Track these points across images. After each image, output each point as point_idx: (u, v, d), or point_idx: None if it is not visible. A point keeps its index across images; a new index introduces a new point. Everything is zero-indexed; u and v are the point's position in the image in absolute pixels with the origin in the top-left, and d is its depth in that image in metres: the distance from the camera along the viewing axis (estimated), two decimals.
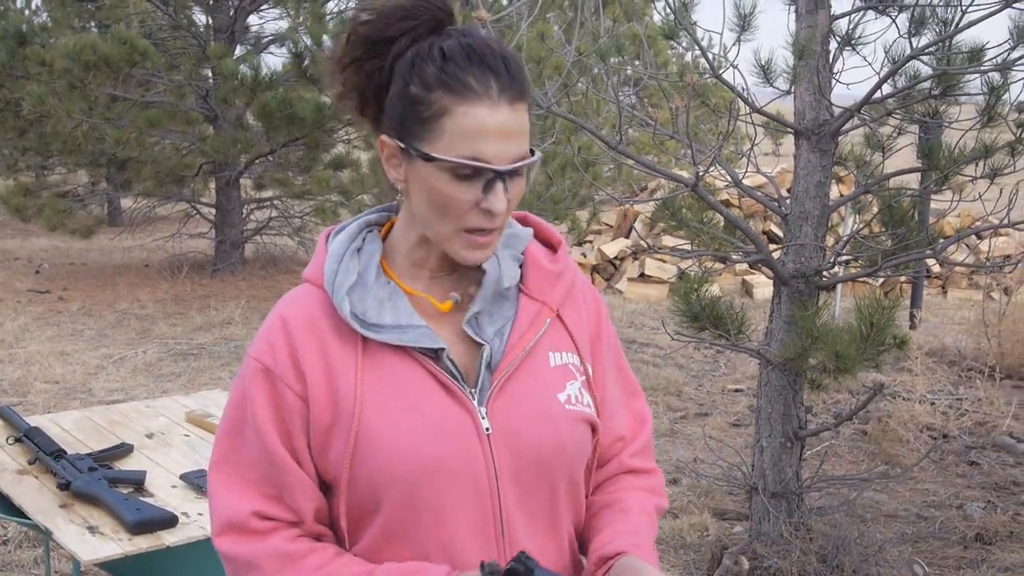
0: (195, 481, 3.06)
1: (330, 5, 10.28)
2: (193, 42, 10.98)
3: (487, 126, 1.40)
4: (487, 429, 1.49)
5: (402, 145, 1.46)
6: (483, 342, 1.53)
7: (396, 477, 1.45)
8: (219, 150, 10.19)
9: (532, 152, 1.48)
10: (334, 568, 1.45)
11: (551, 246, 1.66)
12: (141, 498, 2.94)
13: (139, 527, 2.74)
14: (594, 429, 1.59)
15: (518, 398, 1.52)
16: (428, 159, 1.42)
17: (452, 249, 1.48)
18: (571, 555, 1.61)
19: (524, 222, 1.66)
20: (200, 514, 2.88)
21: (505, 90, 1.42)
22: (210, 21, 11.31)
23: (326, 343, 1.48)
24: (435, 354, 1.50)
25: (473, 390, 1.51)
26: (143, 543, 2.71)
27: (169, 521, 2.80)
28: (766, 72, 4.26)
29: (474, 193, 1.42)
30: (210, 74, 10.90)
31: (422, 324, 1.50)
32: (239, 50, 11.54)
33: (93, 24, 11.97)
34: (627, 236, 11.93)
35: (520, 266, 1.60)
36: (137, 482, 3.05)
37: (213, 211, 11.81)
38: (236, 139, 10.41)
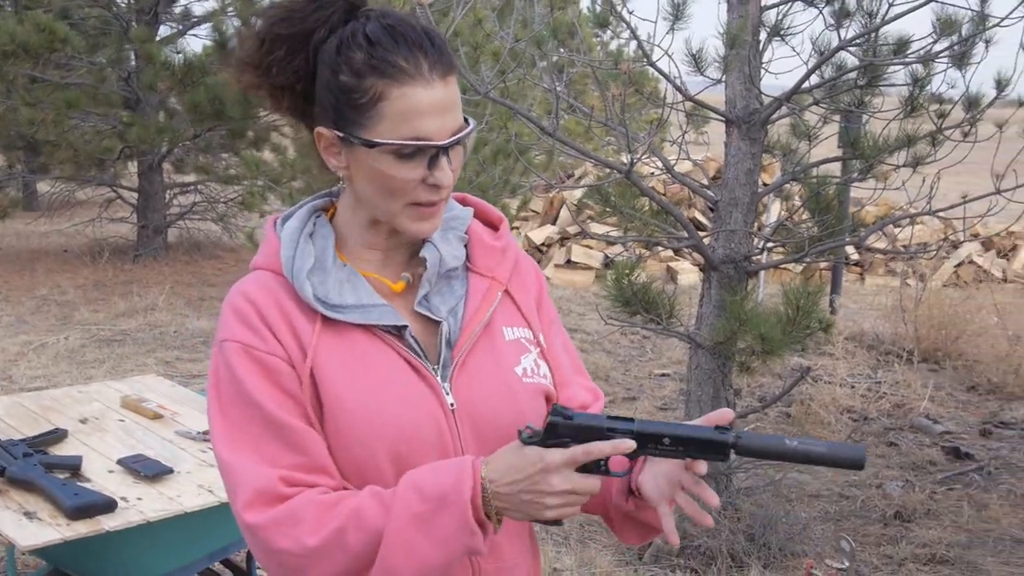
0: (132, 466, 3.04)
1: None
2: (115, 23, 10.76)
3: (424, 104, 1.43)
4: (452, 404, 1.52)
5: (340, 135, 1.47)
6: (440, 319, 1.56)
7: (375, 451, 1.47)
8: (143, 137, 10.01)
9: (467, 121, 1.51)
10: (364, 498, 1.43)
11: (492, 224, 1.70)
12: (78, 483, 2.91)
13: (78, 512, 2.71)
14: (548, 399, 1.63)
15: (478, 373, 1.55)
16: (371, 145, 1.44)
17: (401, 224, 1.51)
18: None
19: (464, 203, 1.70)
20: (139, 499, 2.87)
21: (435, 65, 1.44)
22: (132, 1, 11.09)
23: (292, 321, 1.49)
24: (398, 332, 1.52)
25: (436, 367, 1.54)
26: (82, 528, 2.69)
27: (108, 506, 2.78)
28: (697, 61, 4.34)
29: (419, 171, 1.45)
30: (132, 57, 10.69)
31: (384, 303, 1.53)
32: (163, 31, 11.34)
33: (8, 4, 11.65)
34: (554, 223, 12.01)
35: (465, 245, 1.64)
36: (73, 467, 3.02)
37: (135, 195, 11.60)
38: (159, 125, 10.24)
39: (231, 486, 1.45)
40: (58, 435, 3.27)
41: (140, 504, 2.84)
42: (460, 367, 1.54)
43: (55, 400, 3.71)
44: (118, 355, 7.68)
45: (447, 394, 1.52)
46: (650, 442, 1.44)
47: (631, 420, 1.45)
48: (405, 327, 1.52)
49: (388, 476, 1.47)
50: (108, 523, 2.72)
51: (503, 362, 1.58)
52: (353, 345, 1.50)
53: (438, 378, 1.52)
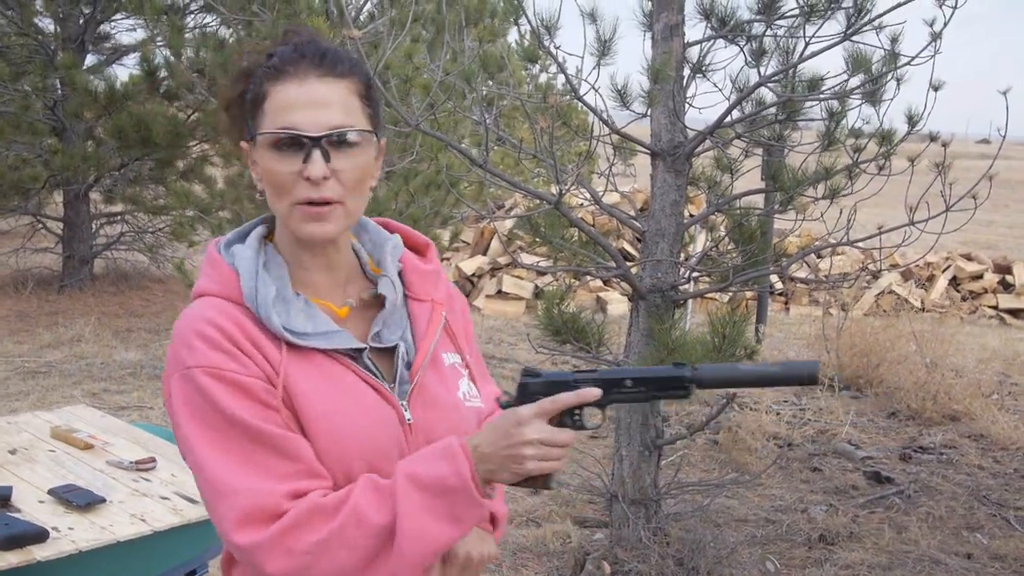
0: (64, 496, 3.02)
1: (188, 19, 10.09)
2: (40, 51, 10.64)
3: (294, 98, 1.53)
4: (410, 419, 1.60)
5: (247, 140, 1.58)
6: (393, 344, 1.64)
7: (350, 465, 1.53)
8: (68, 165, 9.89)
9: (376, 136, 1.59)
10: (361, 494, 1.47)
11: (418, 249, 1.79)
12: (8, 513, 2.89)
13: (9, 542, 2.70)
14: (479, 423, 1.71)
15: (430, 394, 1.64)
16: (253, 138, 1.56)
17: (294, 227, 1.57)
18: None
19: (389, 229, 1.78)
20: (71, 528, 2.86)
21: (314, 68, 1.54)
22: (58, 30, 10.98)
23: (259, 346, 1.53)
24: (354, 355, 1.59)
25: (392, 385, 1.62)
26: (13, 559, 2.67)
27: (39, 536, 2.76)
28: (623, 95, 4.45)
29: (296, 164, 1.53)
30: (58, 84, 10.58)
31: (340, 329, 1.60)
32: (90, 59, 11.24)
33: None
34: (484, 253, 12.09)
35: (399, 272, 1.71)
36: (3, 497, 2.99)
37: (60, 225, 11.43)
38: (86, 153, 10.13)
39: (224, 506, 1.46)
40: None
41: (72, 534, 2.83)
42: (417, 387, 1.63)
43: None
44: (44, 387, 7.56)
45: (405, 410, 1.60)
46: (614, 387, 1.51)
47: (594, 371, 1.53)
48: (363, 349, 1.59)
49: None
50: (40, 553, 2.71)
51: (448, 385, 1.67)
52: (318, 367, 1.56)
53: (396, 396, 1.60)
